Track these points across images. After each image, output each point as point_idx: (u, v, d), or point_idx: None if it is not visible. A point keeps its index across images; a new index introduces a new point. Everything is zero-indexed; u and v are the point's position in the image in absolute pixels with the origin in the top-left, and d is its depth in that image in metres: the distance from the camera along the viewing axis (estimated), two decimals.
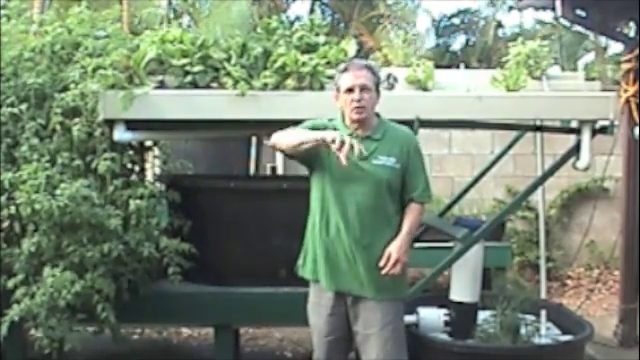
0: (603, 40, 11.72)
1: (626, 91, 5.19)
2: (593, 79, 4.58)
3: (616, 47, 11.72)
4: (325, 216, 3.13)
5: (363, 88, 3.08)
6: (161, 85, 3.94)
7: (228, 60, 3.99)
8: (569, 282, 7.66)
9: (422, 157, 3.23)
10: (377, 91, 3.16)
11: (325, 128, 3.13)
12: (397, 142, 3.15)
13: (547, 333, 4.17)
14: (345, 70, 3.15)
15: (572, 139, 4.09)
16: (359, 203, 3.08)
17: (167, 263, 3.87)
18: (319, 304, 3.21)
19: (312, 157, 3.13)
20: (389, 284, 3.11)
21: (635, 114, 5.15)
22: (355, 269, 3.10)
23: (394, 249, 3.06)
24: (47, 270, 3.56)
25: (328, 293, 3.17)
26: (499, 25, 13.90)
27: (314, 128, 3.14)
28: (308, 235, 3.23)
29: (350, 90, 3.09)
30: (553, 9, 5.08)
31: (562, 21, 5.77)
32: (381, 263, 3.05)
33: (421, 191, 3.17)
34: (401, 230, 3.11)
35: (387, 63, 10.75)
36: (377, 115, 3.20)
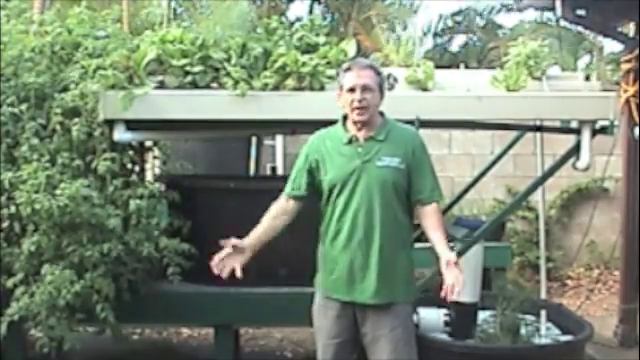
0: (601, 39, 11.70)
1: (626, 91, 5.19)
2: (587, 77, 4.58)
3: (611, 48, 11.75)
4: (335, 224, 3.09)
5: (365, 88, 3.05)
6: (161, 85, 3.94)
7: (228, 60, 3.99)
8: (569, 282, 7.66)
9: (428, 156, 3.19)
10: (381, 91, 3.13)
11: (324, 144, 3.14)
12: (401, 142, 3.12)
13: (547, 333, 4.17)
14: (348, 69, 3.12)
15: (572, 139, 4.09)
16: (367, 207, 3.04)
17: (167, 263, 3.87)
18: (326, 306, 3.16)
19: (314, 187, 3.16)
20: (401, 288, 3.09)
21: (635, 114, 5.14)
22: (369, 275, 3.06)
23: (455, 281, 2.85)
24: (47, 268, 3.56)
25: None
26: (499, 26, 13.89)
27: (312, 150, 3.16)
28: (321, 249, 3.19)
29: (352, 90, 3.06)
30: (553, 9, 5.08)
31: (562, 21, 5.76)
32: (443, 294, 2.88)
33: (430, 191, 3.12)
34: (443, 258, 2.93)
35: (386, 63, 10.73)
36: (381, 115, 3.17)
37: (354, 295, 3.09)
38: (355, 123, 3.10)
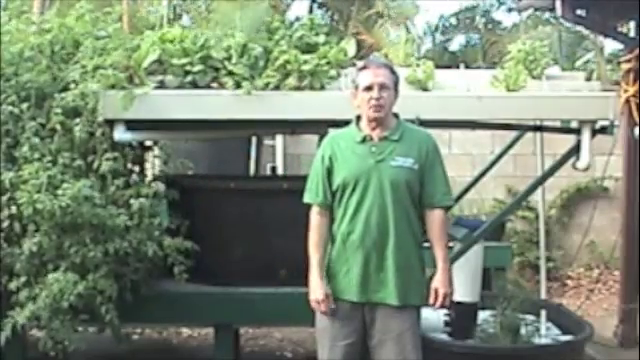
0: (601, 39, 11.70)
1: (626, 91, 5.19)
2: (588, 78, 4.59)
3: (611, 48, 11.74)
4: (348, 224, 3.06)
5: (382, 87, 3.04)
6: (161, 85, 3.94)
7: (229, 60, 3.99)
8: (569, 282, 7.67)
9: (442, 160, 3.16)
10: (396, 90, 3.12)
11: (338, 144, 3.11)
12: (415, 143, 3.10)
13: (547, 333, 4.18)
14: (364, 68, 3.10)
15: (572, 139, 4.09)
16: (380, 206, 3.02)
17: (172, 263, 3.88)
18: (334, 308, 3.11)
19: (331, 191, 3.12)
20: (414, 290, 3.07)
21: (635, 114, 5.14)
22: (385, 276, 3.03)
23: (439, 285, 3.06)
24: (50, 274, 3.55)
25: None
26: (498, 24, 13.91)
27: (326, 150, 3.12)
28: (330, 250, 3.15)
29: (369, 88, 3.04)
30: (553, 9, 5.08)
31: (562, 21, 5.76)
32: (430, 301, 3.08)
33: (442, 195, 3.10)
34: (437, 261, 3.08)
35: None
36: (395, 116, 3.16)
37: (368, 295, 3.06)
38: (370, 122, 3.08)
